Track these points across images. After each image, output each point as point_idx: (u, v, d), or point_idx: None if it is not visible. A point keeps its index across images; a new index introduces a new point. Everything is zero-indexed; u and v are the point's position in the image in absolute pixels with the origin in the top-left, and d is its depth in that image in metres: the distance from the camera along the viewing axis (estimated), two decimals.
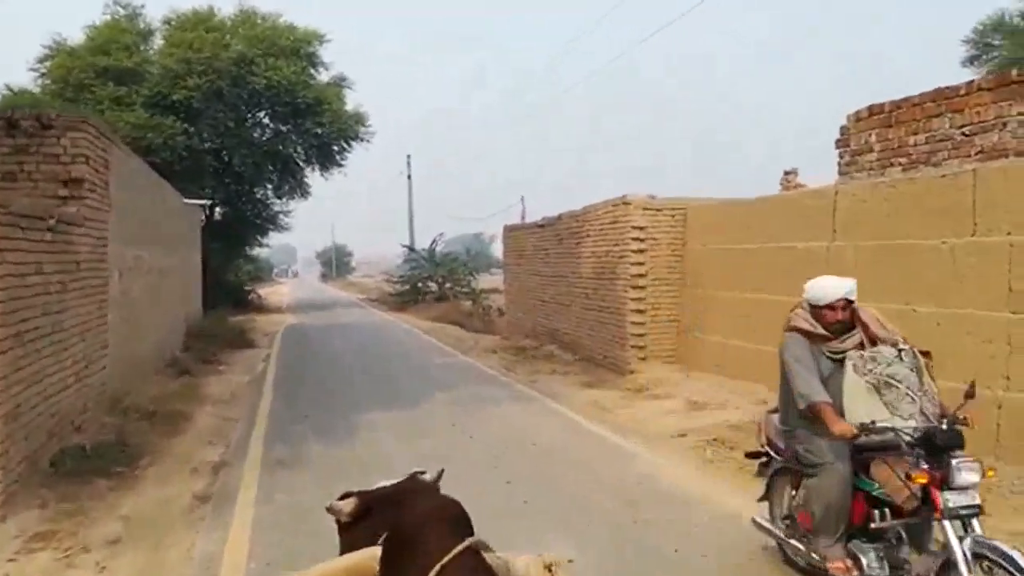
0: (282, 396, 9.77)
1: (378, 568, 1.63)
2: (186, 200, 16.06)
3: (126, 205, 9.09)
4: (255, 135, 26.70)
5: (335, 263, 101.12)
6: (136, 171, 9.94)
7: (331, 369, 12.15)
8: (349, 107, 26.88)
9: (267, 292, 46.89)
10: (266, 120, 27.19)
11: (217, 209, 28.37)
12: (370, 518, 1.74)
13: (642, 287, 10.58)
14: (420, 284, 29.77)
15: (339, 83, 27.17)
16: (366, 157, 30.21)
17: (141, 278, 10.15)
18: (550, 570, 1.65)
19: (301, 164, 27.77)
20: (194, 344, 14.45)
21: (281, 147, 26.52)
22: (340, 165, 28.05)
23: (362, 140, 27.62)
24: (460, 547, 1.56)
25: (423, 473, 1.91)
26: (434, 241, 30.47)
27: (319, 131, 26.22)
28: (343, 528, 1.82)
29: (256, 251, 45.34)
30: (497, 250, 31.78)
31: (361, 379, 10.97)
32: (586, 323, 12.33)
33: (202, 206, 18.24)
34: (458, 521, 1.67)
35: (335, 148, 27.49)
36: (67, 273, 6.27)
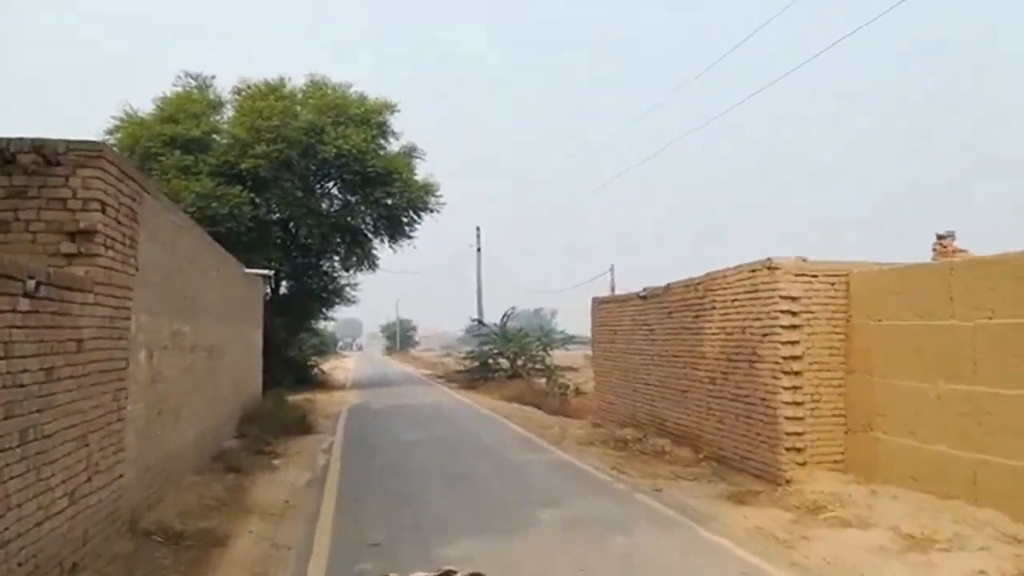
0: (346, 508, 7.74)
1: None
2: (247, 270, 14.66)
3: (163, 268, 7.47)
4: (323, 206, 25.74)
5: (399, 337, 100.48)
6: (179, 228, 8.36)
7: (403, 469, 10.10)
8: (419, 177, 25.73)
9: (331, 366, 45.71)
10: (334, 191, 26.28)
11: (283, 282, 27.36)
12: None
13: (797, 373, 8.30)
14: (491, 360, 27.81)
15: (409, 153, 26.15)
16: (435, 228, 28.91)
17: (181, 357, 8.45)
18: None
19: (369, 235, 26.61)
20: (249, 430, 12.70)
21: (349, 218, 25.47)
22: (409, 237, 26.78)
23: (432, 211, 26.38)
24: None
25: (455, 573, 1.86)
26: (506, 315, 28.67)
27: (388, 201, 25.09)
28: None
29: (321, 324, 44.56)
30: (562, 324, 29.83)
31: (440, 486, 8.87)
32: (713, 415, 10.03)
33: (265, 277, 16.77)
34: None
35: (404, 219, 26.27)
36: (58, 356, 4.49)
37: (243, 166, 21.54)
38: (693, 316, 10.64)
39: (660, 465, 10.17)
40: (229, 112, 24.50)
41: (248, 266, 15.86)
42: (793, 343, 8.31)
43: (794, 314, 8.34)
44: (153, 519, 6.76)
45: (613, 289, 18.74)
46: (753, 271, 8.91)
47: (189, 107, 22.78)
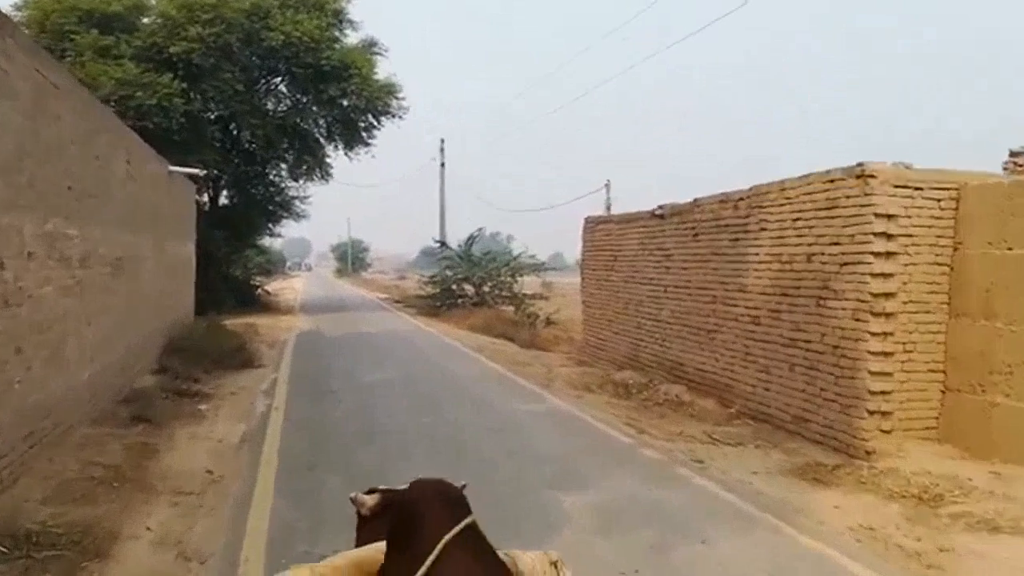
0: (291, 485, 5.64)
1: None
2: (173, 168, 12.02)
3: (17, 139, 5.02)
4: (269, 105, 22.68)
5: (351, 258, 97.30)
6: (53, 89, 5.83)
7: (366, 423, 8.00)
8: (380, 76, 22.76)
9: (278, 287, 42.94)
10: (282, 87, 23.16)
11: (223, 191, 24.47)
12: (389, 515, 1.72)
13: (889, 315, 6.38)
14: (454, 286, 25.64)
15: (369, 47, 23.08)
16: (396, 137, 26.11)
17: (63, 271, 6.06)
18: (555, 567, 1.69)
19: (322, 140, 23.73)
20: (173, 364, 10.42)
21: (299, 119, 22.49)
22: (367, 144, 23.97)
23: (393, 115, 23.54)
24: (462, 524, 1.56)
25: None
26: (471, 237, 26.34)
27: (344, 102, 22.16)
28: (362, 522, 1.89)
29: (267, 241, 41.52)
30: (518, 249, 27.57)
31: (420, 453, 6.81)
32: (753, 362, 8.14)
33: (196, 178, 14.07)
34: (458, 501, 1.66)
35: (361, 123, 23.42)
36: None
37: (173, 50, 18.35)
38: (730, 239, 8.61)
39: (683, 420, 8.31)
40: None
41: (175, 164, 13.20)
42: (886, 276, 6.36)
43: (889, 237, 6.35)
44: (14, 509, 4.57)
45: (609, 208, 16.74)
46: (831, 181, 6.85)
47: None
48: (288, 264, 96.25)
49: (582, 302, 13.96)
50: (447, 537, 1.52)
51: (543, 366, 13.23)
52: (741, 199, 8.42)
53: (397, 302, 32.88)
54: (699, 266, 9.35)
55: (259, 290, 27.22)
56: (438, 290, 25.85)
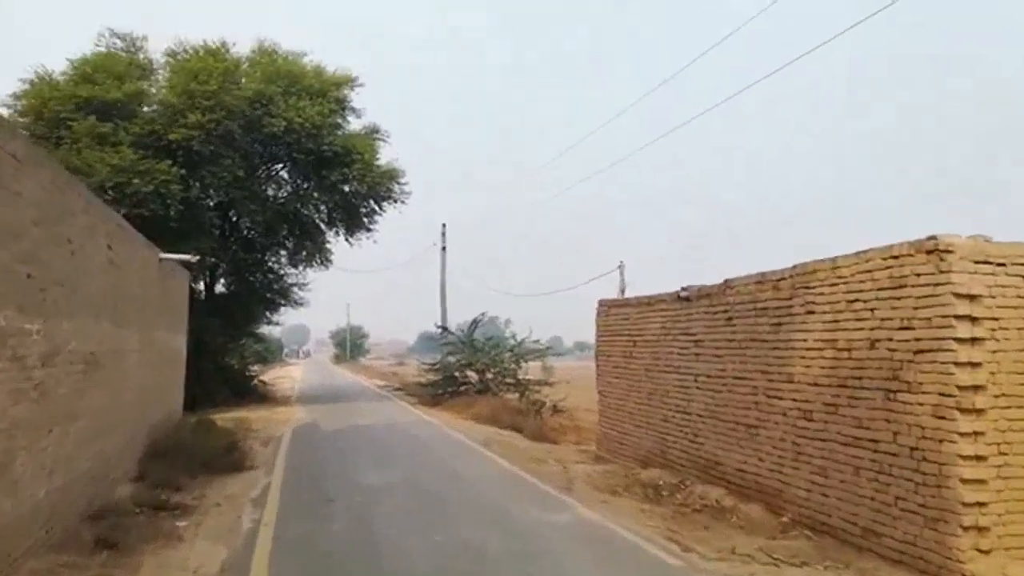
0: None
1: None
2: (164, 255, 11.32)
3: None
4: (269, 191, 22.31)
5: (349, 345, 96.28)
6: (27, 164, 5.14)
7: (372, 542, 6.95)
8: (382, 161, 22.51)
9: (275, 376, 41.88)
10: (283, 173, 22.87)
11: (220, 279, 23.81)
12: None
13: (979, 411, 5.50)
14: (456, 373, 24.66)
15: (372, 134, 22.94)
16: (394, 225, 25.69)
17: (17, 372, 5.20)
18: None
19: (322, 226, 23.27)
20: (155, 469, 9.40)
21: (300, 205, 22.05)
22: (368, 229, 23.52)
23: (395, 200, 23.18)
24: None
25: None
26: (475, 322, 25.56)
27: (346, 187, 21.83)
28: None
29: (266, 329, 40.68)
30: (517, 332, 26.72)
31: None
32: (807, 463, 7.17)
33: (190, 265, 13.37)
34: None
35: (363, 209, 23.02)
36: None
37: (172, 137, 18.05)
38: (771, 324, 7.80)
39: (730, 532, 7.27)
40: (161, 78, 20.91)
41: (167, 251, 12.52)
42: (974, 365, 5.51)
43: (975, 321, 5.54)
44: None
45: (623, 291, 15.97)
46: (895, 257, 6.09)
47: (111, 67, 19.15)
48: (286, 351, 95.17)
49: (598, 392, 13.02)
50: None
51: (557, 462, 12.20)
52: (782, 279, 7.66)
53: (397, 390, 31.76)
54: (735, 353, 8.50)
55: (255, 381, 26.18)
56: (440, 377, 24.85)
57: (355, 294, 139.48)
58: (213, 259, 21.56)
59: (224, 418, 16.97)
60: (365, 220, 23.09)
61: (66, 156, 16.87)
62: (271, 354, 52.21)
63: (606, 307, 12.76)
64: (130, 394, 9.16)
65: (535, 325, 25.44)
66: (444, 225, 30.46)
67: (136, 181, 17.06)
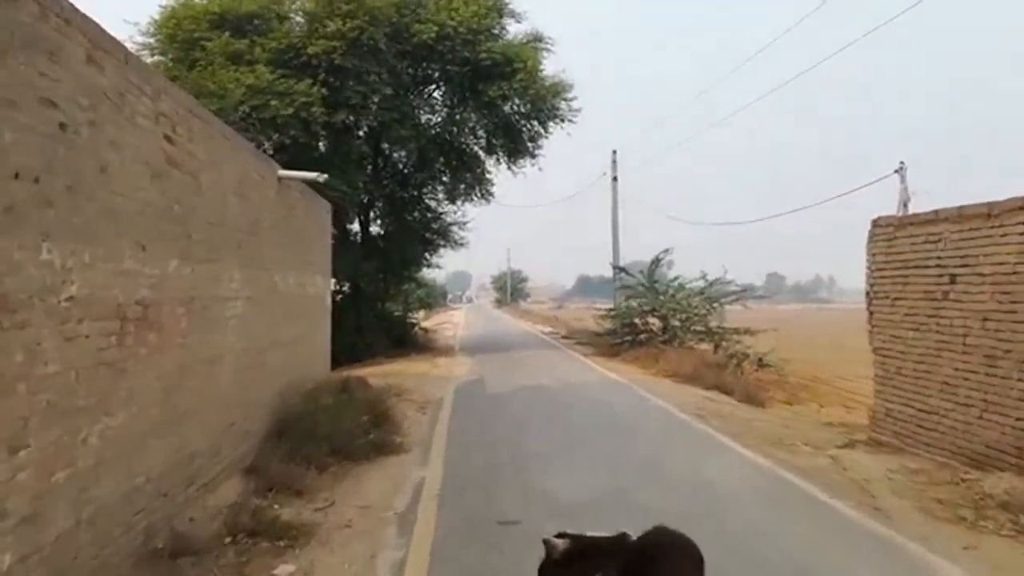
0: None
1: None
2: (283, 172, 8.71)
3: None
4: (422, 116, 19.62)
5: (509, 289, 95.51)
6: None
7: None
8: (547, 74, 19.08)
9: (438, 322, 40.63)
10: (436, 95, 20.07)
11: (374, 218, 21.73)
12: (580, 562, 1.75)
13: None
14: (638, 320, 21.25)
15: (535, 42, 19.50)
16: (554, 158, 22.23)
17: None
18: None
19: (481, 154, 20.38)
20: (273, 457, 6.90)
21: (456, 130, 19.18)
22: (532, 155, 20.30)
23: (562, 120, 19.75)
24: None
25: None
26: (656, 260, 21.85)
27: (506, 107, 18.65)
28: (549, 565, 1.85)
29: (431, 274, 39.20)
30: (679, 270, 22.17)
31: None
32: None
33: (319, 187, 10.70)
34: (701, 561, 1.67)
35: (525, 130, 19.81)
36: None
37: (311, 50, 15.66)
38: None
39: None
40: None
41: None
42: None
43: None
44: None
45: (905, 205, 11.62)
46: None
47: None
48: (449, 297, 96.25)
49: (873, 349, 9.06)
50: None
51: (814, 449, 8.63)
52: None
53: (565, 337, 28.96)
54: None
55: (416, 329, 24.25)
56: (618, 325, 21.56)
57: (514, 236, 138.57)
58: (366, 195, 19.42)
59: (379, 373, 14.76)
60: (529, 144, 19.90)
61: (198, 78, 14.97)
62: (434, 300, 51.41)
63: (890, 227, 8.70)
64: (231, 358, 6.60)
65: (729, 264, 21.32)
66: (615, 152, 26.72)
67: (274, 103, 14.87)
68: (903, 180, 9.63)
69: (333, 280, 20.43)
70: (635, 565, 1.63)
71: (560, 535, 1.89)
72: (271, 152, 16.62)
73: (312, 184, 11.29)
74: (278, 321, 8.44)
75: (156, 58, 16.57)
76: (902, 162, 10.03)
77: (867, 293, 9.18)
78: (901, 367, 8.49)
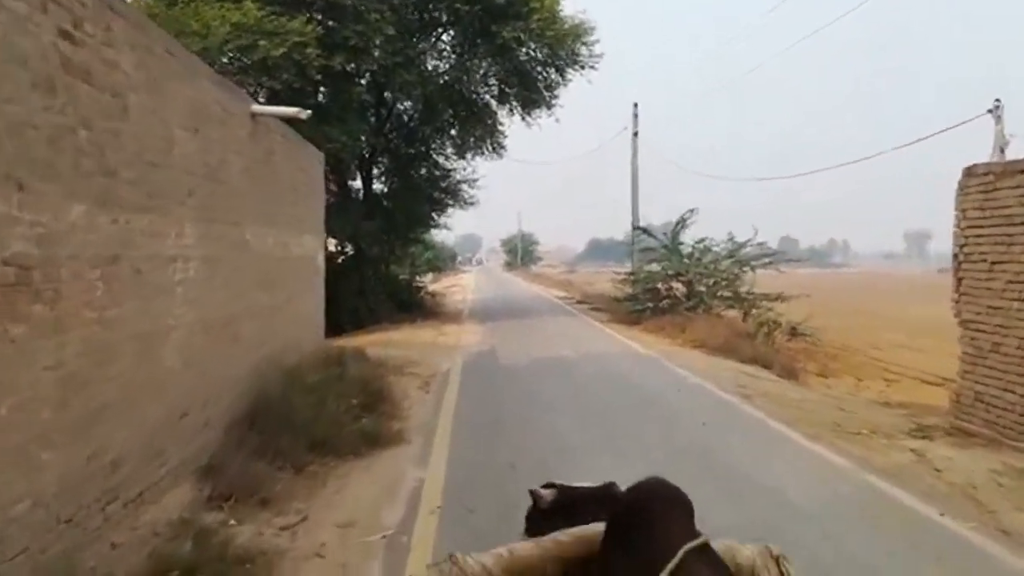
0: None
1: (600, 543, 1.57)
2: (257, 107, 7.25)
3: None
4: (429, 63, 18.00)
5: (520, 252, 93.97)
6: None
7: None
8: (566, 14, 17.37)
9: (447, 285, 39.29)
10: (444, 39, 18.40)
11: (377, 174, 20.25)
12: (566, 512, 1.73)
13: None
14: (660, 285, 19.80)
15: None
16: (571, 112, 20.57)
17: None
18: (778, 562, 1.57)
19: (493, 104, 18.77)
20: (244, 447, 5.64)
21: (465, 78, 17.56)
22: (549, 106, 18.67)
23: (582, 67, 18.08)
24: (703, 539, 1.48)
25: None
26: (682, 220, 20.29)
27: (521, 51, 17.00)
28: (536, 515, 1.83)
29: (440, 235, 37.75)
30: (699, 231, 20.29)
31: None
32: None
33: (296, 120, 9.03)
34: (691, 511, 1.57)
35: (542, 79, 18.16)
36: None
37: None
38: None
39: None
40: None
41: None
42: None
43: None
44: None
45: (1002, 150, 9.87)
46: None
47: None
48: (459, 259, 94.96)
49: (961, 322, 7.61)
50: (688, 546, 1.42)
51: (886, 439, 7.30)
52: None
53: (579, 303, 27.59)
54: None
55: (423, 293, 22.89)
56: (640, 290, 20.12)
57: (525, 198, 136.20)
58: (368, 149, 17.94)
59: (380, 342, 13.46)
60: (545, 94, 18.25)
61: (179, 15, 13.43)
62: (443, 262, 50.05)
63: (989, 176, 7.17)
64: (181, 333, 5.25)
65: (759, 225, 19.80)
66: (636, 105, 24.93)
67: (263, 43, 13.33)
68: (999, 120, 8.16)
69: (333, 241, 19.11)
70: (624, 515, 1.55)
71: (547, 485, 1.87)
72: (262, 100, 15.15)
73: (302, 130, 9.88)
74: (251, 286, 7.08)
75: None
76: (998, 100, 8.55)
77: (955, 255, 7.70)
78: (1000, 344, 7.04)
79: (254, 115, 7.14)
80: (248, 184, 7.03)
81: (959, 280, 7.64)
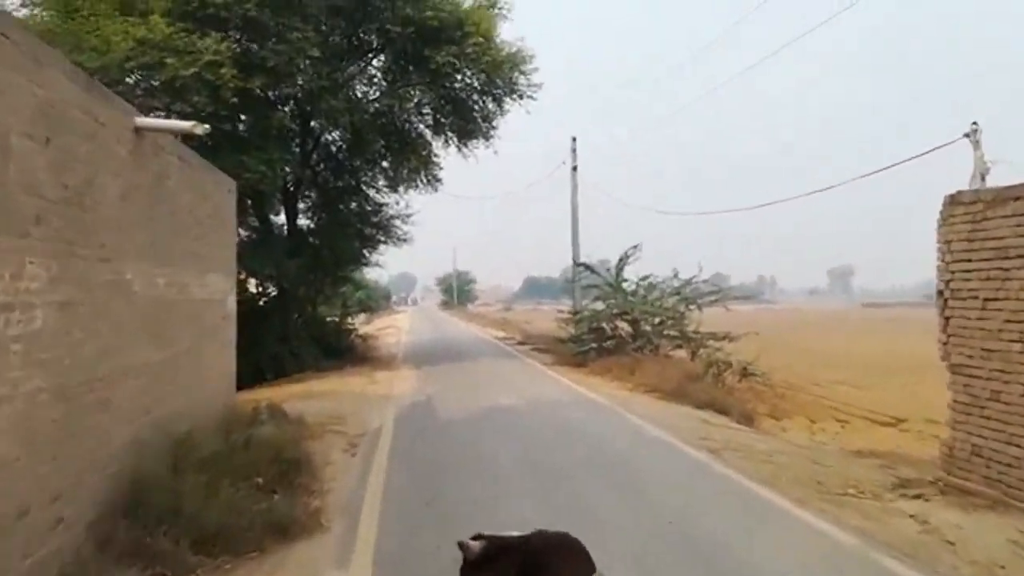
0: None
1: None
2: (143, 120, 6.00)
3: None
4: (358, 90, 16.95)
5: (456, 291, 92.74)
6: None
7: None
8: (504, 40, 16.63)
9: (380, 326, 37.71)
10: (374, 65, 17.40)
11: (301, 209, 18.93)
12: (495, 563, 1.81)
13: None
14: (605, 324, 18.98)
15: (490, 7, 17.01)
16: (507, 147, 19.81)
17: None
18: None
19: (428, 134, 17.80)
20: (110, 547, 4.28)
21: (398, 106, 16.55)
22: (487, 136, 17.82)
23: (520, 96, 17.33)
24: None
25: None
26: (625, 256, 19.58)
27: (457, 78, 16.14)
28: (467, 569, 1.91)
29: (374, 275, 36.23)
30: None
31: None
32: None
33: (191, 135, 7.66)
34: (584, 557, 1.72)
35: (477, 107, 17.33)
36: None
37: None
38: None
39: None
40: None
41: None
42: None
43: None
44: None
45: (983, 177, 9.41)
46: None
47: None
48: (393, 299, 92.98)
49: (950, 366, 6.87)
50: None
51: (873, 498, 6.54)
52: None
53: (520, 343, 26.55)
54: None
55: (353, 336, 21.42)
56: (584, 329, 19.24)
57: (461, 235, 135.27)
58: (292, 180, 16.66)
59: (303, 393, 12.09)
60: (482, 124, 17.39)
61: (77, 29, 12.03)
62: (376, 303, 48.37)
63: (978, 204, 6.51)
64: (16, 405, 3.92)
65: (691, 261, 19.30)
66: (574, 139, 24.38)
67: (171, 61, 12.01)
68: (977, 145, 7.65)
69: (254, 281, 17.62)
70: (531, 564, 1.68)
71: (476, 537, 1.91)
72: None
73: (216, 159, 8.63)
74: (131, 337, 5.73)
75: (25, 11, 13.48)
76: (975, 123, 8.09)
77: (939, 292, 6.99)
78: (1000, 391, 6.30)
79: (138, 129, 5.88)
80: (130, 213, 5.75)
81: (946, 319, 6.92)
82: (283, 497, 5.96)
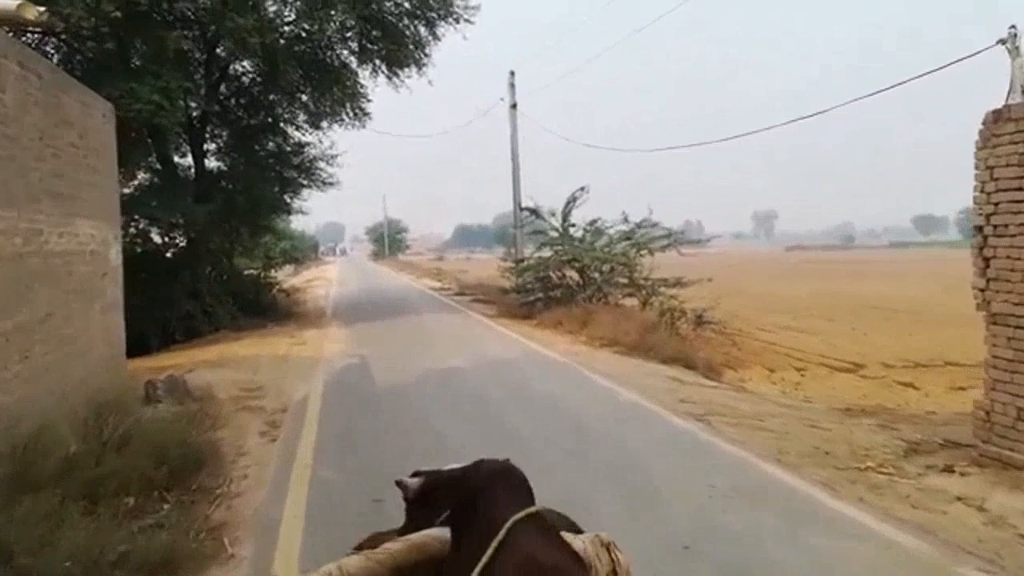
0: None
1: (447, 541, 1.59)
2: None
3: None
4: (270, 6, 14.76)
5: (388, 240, 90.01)
6: None
7: None
8: None
9: (307, 279, 35.59)
10: None
11: (212, 149, 16.78)
12: (435, 498, 1.71)
13: None
14: (553, 273, 17.70)
15: None
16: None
17: None
18: (608, 549, 1.60)
19: (352, 62, 15.81)
20: None
21: (316, 28, 14.47)
22: (419, 64, 15.95)
23: (456, 20, 15.52)
24: (531, 509, 1.49)
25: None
26: (572, 198, 18.20)
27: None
28: (409, 507, 1.81)
29: (300, 224, 33.89)
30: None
31: None
32: None
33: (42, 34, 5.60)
34: (521, 484, 1.60)
35: (408, 33, 15.43)
36: None
37: None
38: None
39: None
40: None
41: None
42: None
43: None
44: None
45: (1022, 90, 8.37)
46: None
47: None
48: (322, 250, 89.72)
49: (989, 315, 5.80)
50: (515, 517, 1.44)
51: (895, 471, 5.55)
52: None
53: (458, 295, 25.11)
54: None
55: (275, 290, 19.47)
56: (530, 278, 17.91)
57: (390, 181, 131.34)
58: (198, 115, 14.54)
59: (215, 359, 10.40)
60: (413, 50, 15.49)
61: None
62: (303, 254, 45.83)
63: (1004, 121, 5.35)
64: None
65: (625, 205, 18.20)
66: (512, 73, 22.56)
67: None
68: (1017, 53, 6.58)
69: (156, 229, 15.54)
70: (463, 501, 1.56)
71: (415, 474, 1.77)
72: (32, 44, 11.46)
73: (100, 88, 6.74)
74: None
75: None
76: (1013, 26, 6.97)
77: (978, 228, 5.87)
78: None
79: None
80: None
81: (986, 260, 5.82)
82: (172, 510, 4.45)
